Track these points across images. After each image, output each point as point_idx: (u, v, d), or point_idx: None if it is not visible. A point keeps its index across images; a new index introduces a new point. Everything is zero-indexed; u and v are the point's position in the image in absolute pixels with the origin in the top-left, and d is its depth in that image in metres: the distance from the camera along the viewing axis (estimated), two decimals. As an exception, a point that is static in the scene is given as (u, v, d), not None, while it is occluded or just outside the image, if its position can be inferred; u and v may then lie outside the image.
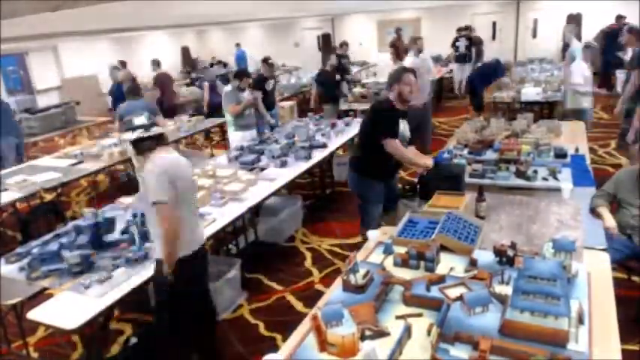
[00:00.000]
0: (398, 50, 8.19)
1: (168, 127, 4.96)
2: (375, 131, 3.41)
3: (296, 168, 4.53)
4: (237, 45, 15.40)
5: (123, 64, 9.03)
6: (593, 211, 3.05)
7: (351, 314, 1.87)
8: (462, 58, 10.97)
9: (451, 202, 2.95)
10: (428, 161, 3.42)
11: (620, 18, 10.07)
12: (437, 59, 11.81)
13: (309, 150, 4.83)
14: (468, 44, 10.97)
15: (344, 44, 9.15)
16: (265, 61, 6.74)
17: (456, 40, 10.99)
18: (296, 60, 15.12)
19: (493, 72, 7.77)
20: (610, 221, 2.96)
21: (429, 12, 14.19)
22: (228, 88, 5.85)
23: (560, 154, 3.88)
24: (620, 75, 8.01)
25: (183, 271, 2.49)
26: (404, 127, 3.50)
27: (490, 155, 3.97)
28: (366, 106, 7.46)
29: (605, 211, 3.03)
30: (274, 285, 4.02)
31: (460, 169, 3.45)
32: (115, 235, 3.13)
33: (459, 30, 11.19)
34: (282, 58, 15.44)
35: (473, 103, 8.09)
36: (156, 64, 8.86)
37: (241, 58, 14.88)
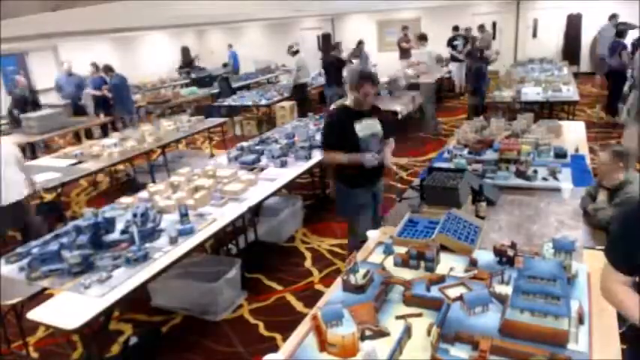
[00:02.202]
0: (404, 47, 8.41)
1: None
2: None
3: (296, 168, 4.53)
4: (230, 46, 15.36)
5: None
6: (586, 212, 2.86)
7: (351, 314, 1.87)
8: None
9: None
10: (362, 158, 3.17)
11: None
12: (437, 59, 11.80)
13: (309, 150, 4.83)
14: (465, 43, 10.98)
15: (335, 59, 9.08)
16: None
17: (454, 39, 11.00)
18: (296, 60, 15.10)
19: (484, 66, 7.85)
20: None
21: (429, 12, 14.19)
22: None
23: (560, 154, 3.88)
24: None
25: None
26: (370, 124, 3.28)
27: (490, 155, 3.97)
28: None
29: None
30: (274, 285, 4.02)
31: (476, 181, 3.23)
32: (115, 235, 3.13)
33: (455, 29, 11.20)
34: (282, 58, 15.42)
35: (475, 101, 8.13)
36: None
37: (233, 58, 14.84)
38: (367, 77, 3.20)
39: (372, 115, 3.32)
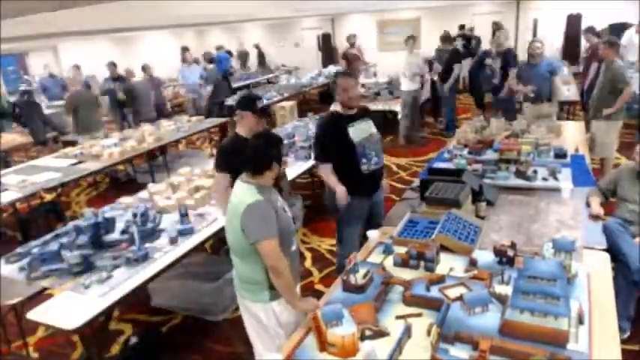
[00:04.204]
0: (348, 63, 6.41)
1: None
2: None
3: (296, 168, 4.53)
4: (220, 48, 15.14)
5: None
6: (588, 205, 3.07)
7: (351, 314, 1.87)
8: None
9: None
10: (338, 196, 3.05)
11: None
12: (426, 61, 11.80)
13: (309, 150, 4.83)
14: (466, 43, 10.98)
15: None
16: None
17: (453, 39, 11.00)
18: (296, 60, 15.12)
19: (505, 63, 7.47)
20: (596, 209, 2.97)
21: (429, 12, 14.19)
22: None
23: (560, 154, 3.88)
24: None
25: None
26: (364, 127, 3.13)
27: (490, 155, 3.97)
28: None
29: (594, 200, 3.06)
30: (274, 285, 4.02)
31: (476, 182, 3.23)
32: (115, 235, 3.13)
33: (461, 28, 11.21)
34: (282, 58, 15.44)
35: (475, 100, 8.10)
36: None
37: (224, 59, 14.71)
38: (347, 75, 3.12)
39: (364, 117, 3.17)
